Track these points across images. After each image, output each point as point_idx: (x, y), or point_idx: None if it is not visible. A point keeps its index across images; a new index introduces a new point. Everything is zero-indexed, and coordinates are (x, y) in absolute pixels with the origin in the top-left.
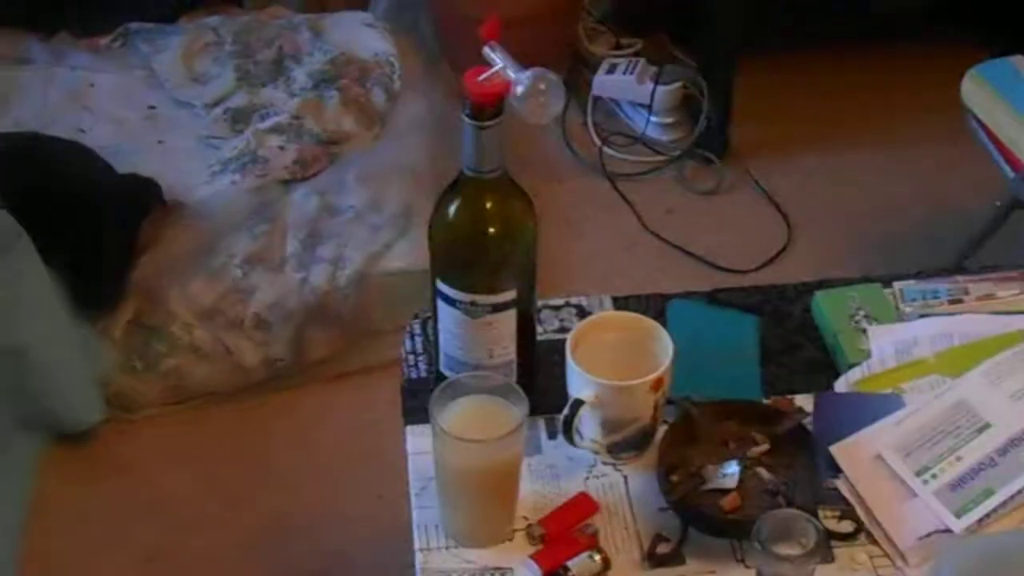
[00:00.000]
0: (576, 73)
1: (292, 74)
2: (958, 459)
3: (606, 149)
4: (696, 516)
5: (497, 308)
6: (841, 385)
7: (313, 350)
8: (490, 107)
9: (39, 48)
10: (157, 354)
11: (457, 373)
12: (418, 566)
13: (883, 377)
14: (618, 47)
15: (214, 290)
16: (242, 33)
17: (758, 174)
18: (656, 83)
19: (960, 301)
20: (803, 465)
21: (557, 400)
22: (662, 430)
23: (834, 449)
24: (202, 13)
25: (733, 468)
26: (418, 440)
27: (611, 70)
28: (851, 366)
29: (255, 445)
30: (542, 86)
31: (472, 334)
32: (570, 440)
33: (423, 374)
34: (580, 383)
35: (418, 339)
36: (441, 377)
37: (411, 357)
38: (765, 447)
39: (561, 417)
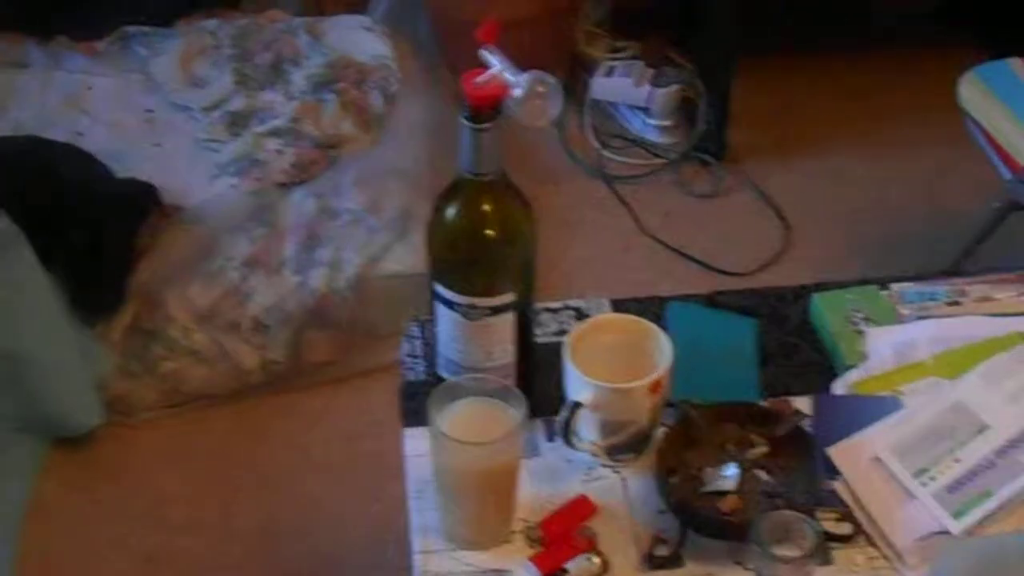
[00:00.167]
0: (574, 76)
1: (290, 77)
2: (956, 461)
3: (604, 152)
4: (695, 518)
5: (495, 311)
6: (839, 387)
7: (311, 353)
8: (488, 110)
9: (37, 52)
10: (155, 357)
11: (455, 375)
12: (417, 569)
13: (881, 379)
14: (616, 50)
15: (212, 293)
16: (240, 37)
17: (756, 176)
18: (654, 86)
19: (958, 303)
20: (801, 467)
21: (555, 402)
22: (660, 432)
23: (832, 451)
24: (200, 17)
25: (732, 470)
26: (416, 443)
27: (609, 73)
28: (849, 368)
29: (253, 448)
30: (540, 89)
31: (470, 336)
32: (568, 442)
33: (421, 377)
34: (578, 385)
35: (416, 342)
36: (439, 379)
37: (409, 360)
38: (763, 449)
39: (559, 419)
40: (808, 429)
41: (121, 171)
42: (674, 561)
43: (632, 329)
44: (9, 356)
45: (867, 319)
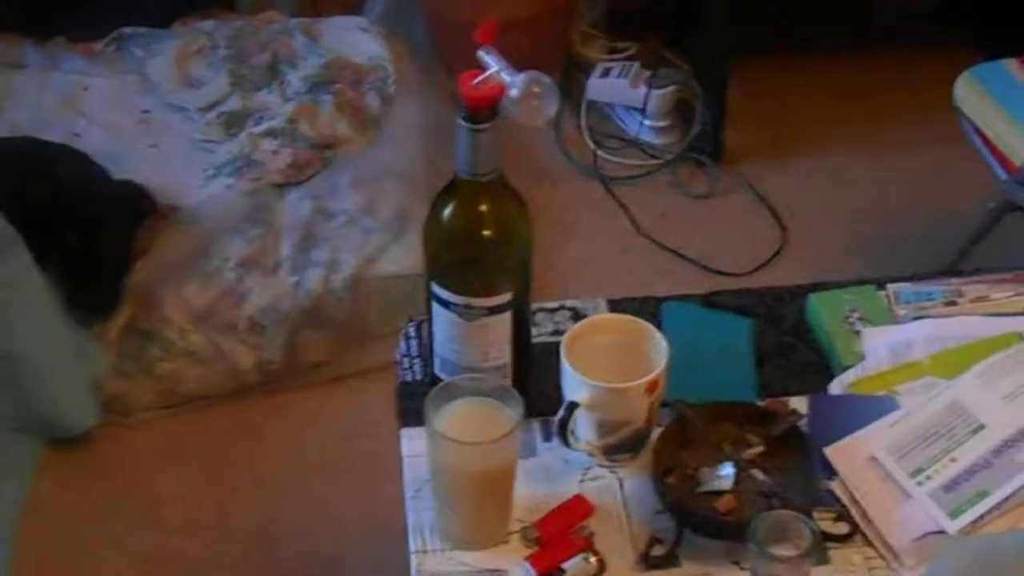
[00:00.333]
0: (570, 77)
1: (286, 78)
2: (952, 461)
3: (600, 152)
4: (691, 518)
5: (492, 311)
6: (835, 387)
7: (307, 353)
8: (484, 110)
9: (33, 52)
10: (152, 358)
11: (452, 376)
12: (413, 569)
13: (877, 379)
14: (612, 51)
15: (208, 294)
16: (236, 37)
17: (752, 177)
18: (650, 87)
19: (954, 303)
20: (798, 467)
21: (552, 402)
22: (657, 432)
23: (829, 451)
24: (196, 18)
25: (728, 470)
26: (413, 443)
27: (605, 74)
28: (845, 368)
29: (250, 448)
30: (536, 89)
31: (467, 337)
32: (565, 442)
33: (418, 377)
34: (575, 385)
35: (413, 342)
36: (436, 380)
37: (406, 360)
38: (760, 449)
39: (556, 419)
40: (804, 429)
41: (117, 172)
42: (670, 561)
43: (628, 329)
44: (5, 356)
45: (863, 319)
